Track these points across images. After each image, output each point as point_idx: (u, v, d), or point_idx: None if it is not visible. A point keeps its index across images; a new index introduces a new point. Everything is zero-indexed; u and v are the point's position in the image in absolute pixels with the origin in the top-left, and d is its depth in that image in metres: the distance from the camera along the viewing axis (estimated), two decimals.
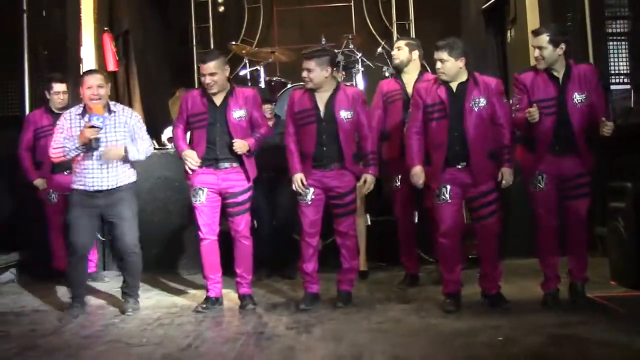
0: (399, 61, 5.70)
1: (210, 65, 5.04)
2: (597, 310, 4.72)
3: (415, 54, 5.68)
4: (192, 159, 5.07)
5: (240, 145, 5.03)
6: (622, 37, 7.38)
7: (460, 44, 4.86)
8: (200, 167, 5.10)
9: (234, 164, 5.11)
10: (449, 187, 4.79)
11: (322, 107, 5.05)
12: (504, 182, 4.78)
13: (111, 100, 6.63)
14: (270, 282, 6.10)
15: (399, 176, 5.54)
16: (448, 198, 4.80)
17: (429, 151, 4.87)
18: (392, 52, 5.81)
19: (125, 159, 5.08)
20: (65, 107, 6.36)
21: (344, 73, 7.99)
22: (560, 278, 4.93)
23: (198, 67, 9.60)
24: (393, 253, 6.10)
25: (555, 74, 4.79)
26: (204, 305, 5.16)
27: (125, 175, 5.13)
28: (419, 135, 4.88)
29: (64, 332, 4.72)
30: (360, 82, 7.89)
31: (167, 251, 6.53)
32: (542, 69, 4.79)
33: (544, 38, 4.73)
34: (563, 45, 4.75)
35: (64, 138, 5.08)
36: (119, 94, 8.26)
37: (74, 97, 7.22)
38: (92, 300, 5.63)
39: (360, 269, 6.14)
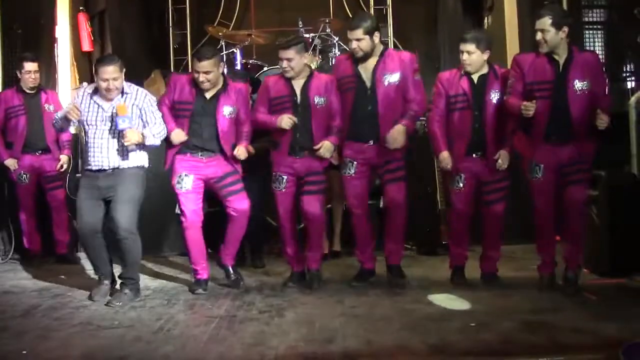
0: (363, 53, 4.98)
1: (205, 64, 4.94)
2: (569, 297, 4.76)
3: (377, 36, 5.01)
4: (178, 137, 5.02)
5: (243, 152, 5.05)
6: (598, 26, 7.45)
7: (487, 36, 4.97)
8: (185, 154, 5.07)
9: (218, 154, 5.10)
10: (463, 176, 4.98)
11: (298, 93, 5.04)
12: (499, 162, 4.88)
13: (86, 81, 6.53)
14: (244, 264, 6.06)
15: (354, 162, 5.07)
16: (462, 186, 4.99)
17: (450, 139, 5.00)
18: (351, 46, 5.00)
19: (142, 144, 4.92)
20: (37, 87, 6.29)
21: (320, 57, 7.95)
22: (557, 263, 4.96)
23: (174, 49, 9.63)
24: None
25: (556, 57, 4.71)
26: (204, 288, 5.15)
27: (131, 158, 4.94)
28: (440, 122, 5.00)
29: (34, 314, 4.67)
30: None
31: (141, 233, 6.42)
32: (544, 52, 4.72)
33: (547, 21, 4.64)
34: (566, 29, 4.66)
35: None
36: (94, 74, 8.15)
37: (47, 77, 7.16)
38: (63, 282, 5.58)
39: (333, 249, 6.27)
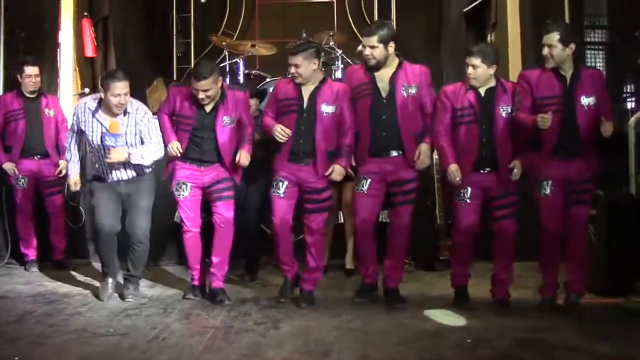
0: (375, 62, 4.90)
1: (204, 83, 4.90)
2: (565, 315, 4.75)
3: (392, 46, 4.90)
4: (176, 150, 5.04)
5: (245, 158, 5.05)
6: (600, 47, 7.47)
7: (494, 51, 4.93)
8: (184, 162, 5.09)
9: (217, 164, 5.10)
10: (470, 189, 4.87)
11: (305, 98, 4.98)
12: (515, 171, 4.83)
13: (88, 87, 6.55)
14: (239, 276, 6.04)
15: (367, 179, 4.97)
16: (468, 200, 4.89)
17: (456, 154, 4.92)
18: (365, 53, 4.93)
19: (127, 162, 5.03)
20: (37, 91, 6.29)
21: (323, 69, 7.94)
22: (559, 285, 4.95)
23: (178, 57, 9.65)
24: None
25: (562, 73, 4.75)
26: (194, 294, 5.23)
27: (140, 166, 5.11)
28: (448, 136, 4.90)
29: (29, 320, 4.66)
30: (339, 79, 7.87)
31: None
32: (550, 67, 4.75)
33: (554, 36, 4.67)
34: (572, 46, 4.70)
35: (72, 140, 5.23)
36: (96, 81, 8.16)
37: (49, 82, 7.17)
38: (58, 288, 5.57)
39: (347, 267, 6.18)
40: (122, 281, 5.33)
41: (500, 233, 4.92)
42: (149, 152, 5.07)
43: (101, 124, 5.01)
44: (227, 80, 7.70)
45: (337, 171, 4.95)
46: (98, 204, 5.18)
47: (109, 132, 4.95)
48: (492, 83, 4.90)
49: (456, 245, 5.09)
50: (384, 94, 4.94)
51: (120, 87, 4.92)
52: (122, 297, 5.19)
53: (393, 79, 4.94)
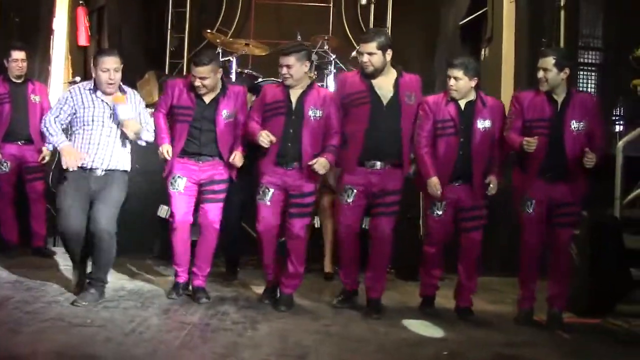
0: (373, 69, 4.86)
1: (202, 70, 4.89)
2: (543, 332, 4.77)
3: (389, 53, 4.89)
4: (168, 153, 5.01)
5: (240, 159, 5.02)
6: (593, 68, 7.53)
7: (475, 64, 4.96)
8: (182, 157, 5.04)
9: (216, 158, 5.07)
10: (444, 203, 4.90)
11: (294, 101, 4.95)
12: (491, 186, 4.88)
13: (79, 75, 6.51)
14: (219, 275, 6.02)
15: (354, 190, 4.94)
16: (441, 214, 4.93)
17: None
18: (362, 60, 4.88)
19: (138, 137, 4.93)
20: (24, 76, 6.24)
21: (316, 73, 7.96)
22: (536, 299, 4.96)
23: (171, 52, 9.64)
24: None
25: (554, 97, 4.79)
26: (179, 292, 5.16)
27: (122, 161, 4.95)
28: (429, 146, 4.91)
29: (5, 307, 4.60)
30: (331, 83, 7.87)
31: (123, 235, 6.34)
32: (544, 91, 4.79)
33: (550, 60, 4.73)
34: (567, 70, 4.76)
35: (55, 118, 4.86)
36: (88, 70, 8.13)
37: (41, 68, 7.13)
38: (37, 275, 5.52)
39: (326, 271, 6.15)
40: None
41: (469, 244, 4.97)
42: (151, 127, 5.05)
43: (102, 101, 4.86)
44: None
45: (320, 163, 4.84)
46: (64, 205, 4.83)
47: (118, 104, 4.79)
48: (472, 96, 4.94)
49: (427, 255, 5.09)
50: (384, 102, 4.91)
51: (110, 62, 4.81)
52: (74, 301, 4.77)
53: (397, 87, 4.92)
